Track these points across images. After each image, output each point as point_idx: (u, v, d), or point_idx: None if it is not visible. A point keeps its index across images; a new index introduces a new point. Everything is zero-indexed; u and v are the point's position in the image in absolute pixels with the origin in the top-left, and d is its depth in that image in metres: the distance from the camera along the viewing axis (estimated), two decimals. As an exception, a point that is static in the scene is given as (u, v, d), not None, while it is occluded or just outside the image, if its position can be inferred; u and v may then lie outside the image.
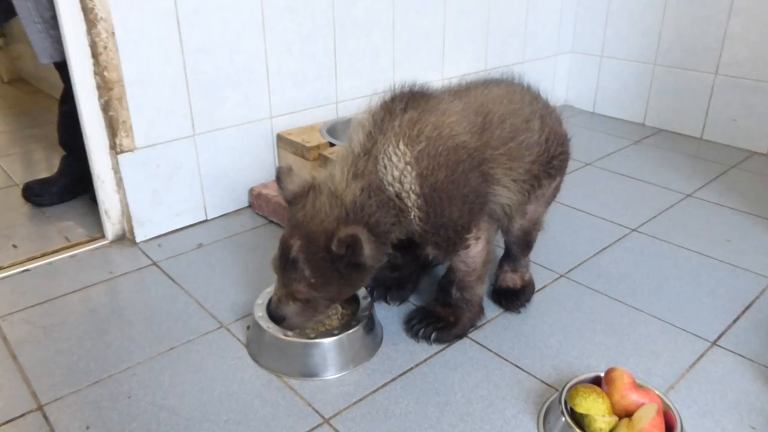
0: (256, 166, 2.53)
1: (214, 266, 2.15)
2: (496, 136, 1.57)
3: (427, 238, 1.58)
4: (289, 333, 1.63)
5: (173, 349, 1.74)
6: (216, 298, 1.97)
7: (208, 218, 2.47)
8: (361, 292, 1.82)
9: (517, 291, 1.93)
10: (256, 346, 1.71)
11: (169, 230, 2.36)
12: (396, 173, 1.48)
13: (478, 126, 1.55)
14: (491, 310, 1.93)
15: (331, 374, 1.65)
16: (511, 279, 1.94)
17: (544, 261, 2.17)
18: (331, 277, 1.48)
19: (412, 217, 1.52)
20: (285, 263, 1.49)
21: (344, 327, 1.69)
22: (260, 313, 1.71)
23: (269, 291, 1.74)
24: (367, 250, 1.43)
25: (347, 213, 1.46)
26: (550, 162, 1.72)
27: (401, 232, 1.56)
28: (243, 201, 2.56)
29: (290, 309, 1.54)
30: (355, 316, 1.73)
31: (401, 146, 1.48)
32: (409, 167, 1.47)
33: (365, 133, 1.52)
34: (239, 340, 1.78)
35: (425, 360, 1.72)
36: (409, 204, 1.50)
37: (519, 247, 1.87)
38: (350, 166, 1.51)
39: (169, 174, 2.29)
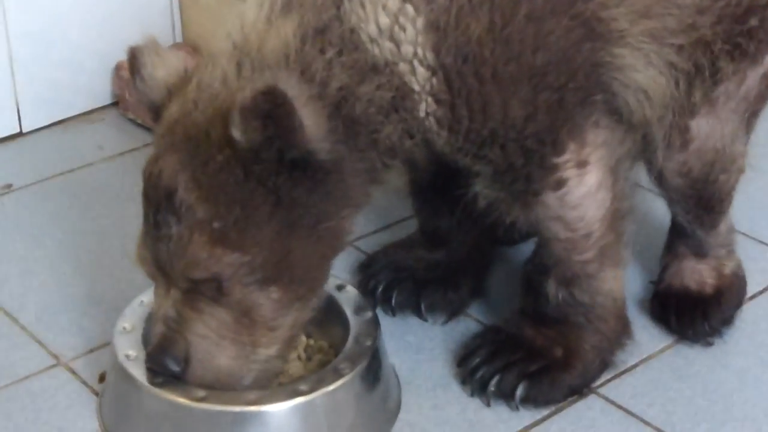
0: (131, 14, 2.52)
1: (37, 236, 2.18)
2: None
3: (466, 164, 1.65)
4: (201, 393, 1.63)
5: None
6: (44, 305, 2.01)
7: (24, 130, 2.51)
8: (351, 300, 1.85)
9: (706, 299, 1.97)
10: (123, 418, 1.73)
11: (-58, 155, 2.42)
12: (384, 21, 1.53)
13: None
14: (647, 334, 1.93)
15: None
16: (693, 273, 1.99)
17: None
18: (255, 206, 1.51)
19: (422, 113, 1.58)
20: (155, 212, 1.55)
21: (318, 378, 1.70)
22: (129, 351, 1.73)
23: (146, 301, 1.78)
24: (308, 114, 1.46)
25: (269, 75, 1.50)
26: (745, 19, 1.72)
27: (401, 137, 1.61)
28: (101, 93, 2.58)
29: (195, 329, 1.59)
30: (341, 354, 1.75)
31: None
32: (410, 8, 1.52)
33: None
34: (93, 390, 1.82)
35: (504, 446, 1.72)
36: (416, 86, 1.56)
37: (689, 210, 1.91)
38: None
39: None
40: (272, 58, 1.53)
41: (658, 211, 2.06)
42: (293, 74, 1.52)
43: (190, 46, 2.60)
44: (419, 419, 1.75)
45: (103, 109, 2.57)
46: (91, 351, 1.88)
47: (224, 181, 1.50)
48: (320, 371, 1.72)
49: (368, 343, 1.75)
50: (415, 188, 1.91)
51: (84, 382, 1.81)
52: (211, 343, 1.58)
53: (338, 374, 1.68)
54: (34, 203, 2.25)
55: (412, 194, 1.93)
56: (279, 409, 1.64)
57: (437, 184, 1.82)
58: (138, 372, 1.67)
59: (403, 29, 1.52)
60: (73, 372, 1.84)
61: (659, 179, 1.84)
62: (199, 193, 1.51)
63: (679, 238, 1.95)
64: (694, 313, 1.92)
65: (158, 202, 1.54)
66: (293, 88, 1.45)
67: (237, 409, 1.63)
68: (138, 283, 1.93)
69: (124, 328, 1.77)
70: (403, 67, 1.54)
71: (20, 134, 2.46)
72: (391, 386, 1.80)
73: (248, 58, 1.54)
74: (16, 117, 2.46)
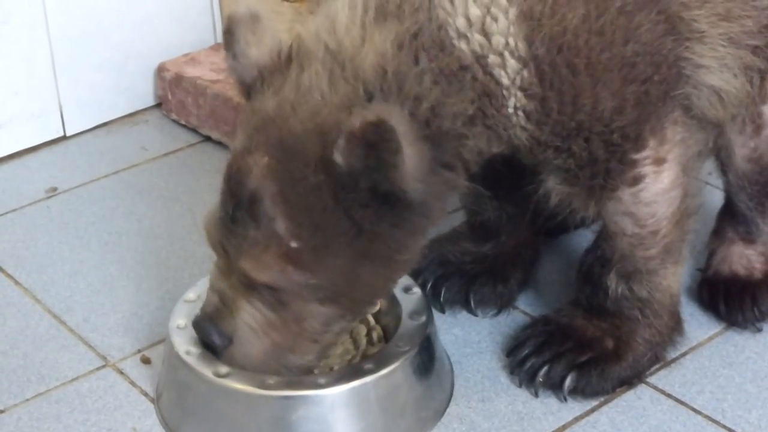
0: (172, 15, 2.53)
1: (83, 238, 2.19)
2: None
3: (546, 159, 1.65)
4: (260, 376, 1.64)
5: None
6: (91, 306, 2.02)
7: (68, 134, 2.51)
8: (404, 285, 1.83)
9: (755, 284, 1.97)
10: (178, 406, 1.75)
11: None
12: (475, 13, 1.53)
13: None
14: (696, 322, 1.93)
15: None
16: (741, 258, 1.99)
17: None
18: (336, 235, 1.53)
19: (510, 109, 1.58)
20: (235, 208, 1.55)
21: (371, 364, 1.71)
22: (181, 340, 1.74)
23: (192, 296, 1.80)
24: (412, 154, 1.46)
25: (368, 92, 1.51)
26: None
27: (489, 141, 1.62)
28: (144, 95, 2.58)
29: (244, 317, 1.62)
30: (392, 339, 1.76)
31: None
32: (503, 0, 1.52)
33: None
34: (142, 391, 1.84)
35: (552, 436, 1.71)
36: (505, 80, 1.56)
37: (752, 196, 1.93)
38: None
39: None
40: (370, 73, 1.52)
41: (703, 198, 2.01)
42: (401, 106, 1.51)
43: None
44: (468, 411, 1.76)
45: (146, 110, 2.58)
46: (139, 351, 1.89)
47: (312, 204, 1.52)
48: (371, 357, 1.73)
49: (422, 332, 1.75)
50: None
51: (132, 383, 1.83)
52: (255, 336, 1.61)
53: (388, 360, 1.69)
54: (79, 206, 2.26)
55: None
56: (327, 393, 1.66)
57: (487, 178, 1.79)
58: (190, 357, 1.69)
59: (495, 20, 1.52)
60: (121, 373, 1.86)
61: (727, 165, 1.85)
62: (284, 209, 1.52)
63: (730, 224, 1.96)
64: (742, 299, 1.91)
65: (240, 199, 1.54)
66: (403, 125, 1.45)
67: (278, 393, 1.65)
68: (184, 281, 1.98)
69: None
70: (493, 59, 1.54)
71: (64, 137, 2.47)
72: (444, 374, 1.80)
73: (343, 71, 1.53)
74: (60, 120, 2.47)
